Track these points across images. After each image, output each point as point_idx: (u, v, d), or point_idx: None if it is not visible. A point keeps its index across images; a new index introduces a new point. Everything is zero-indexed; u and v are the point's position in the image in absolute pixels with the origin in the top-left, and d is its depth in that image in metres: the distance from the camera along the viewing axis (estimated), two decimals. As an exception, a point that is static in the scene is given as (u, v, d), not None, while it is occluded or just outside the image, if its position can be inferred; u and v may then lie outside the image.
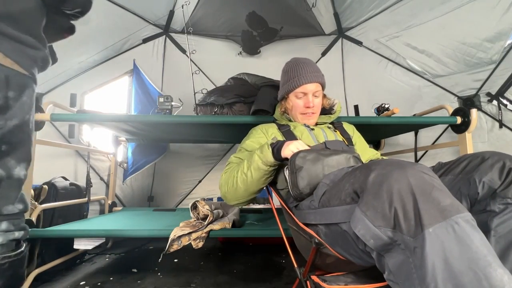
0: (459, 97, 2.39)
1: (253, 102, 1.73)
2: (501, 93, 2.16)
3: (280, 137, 1.16)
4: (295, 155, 0.87)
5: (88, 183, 2.08)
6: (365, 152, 1.23)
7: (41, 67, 0.90)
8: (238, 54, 3.01)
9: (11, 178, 0.77)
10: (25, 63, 0.81)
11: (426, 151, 2.57)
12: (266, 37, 2.97)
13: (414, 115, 2.18)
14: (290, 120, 1.26)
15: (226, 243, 2.32)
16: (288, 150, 0.93)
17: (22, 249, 0.81)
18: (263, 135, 1.18)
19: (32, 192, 1.65)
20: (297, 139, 1.12)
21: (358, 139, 1.27)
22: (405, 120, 1.81)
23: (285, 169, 0.92)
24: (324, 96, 1.27)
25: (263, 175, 0.99)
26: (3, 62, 0.76)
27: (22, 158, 0.81)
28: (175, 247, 1.38)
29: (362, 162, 0.95)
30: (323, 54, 3.11)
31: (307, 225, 0.82)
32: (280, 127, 1.21)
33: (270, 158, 0.96)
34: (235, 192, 1.04)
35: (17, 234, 0.79)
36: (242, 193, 1.04)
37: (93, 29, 2.23)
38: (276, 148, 0.96)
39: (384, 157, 1.20)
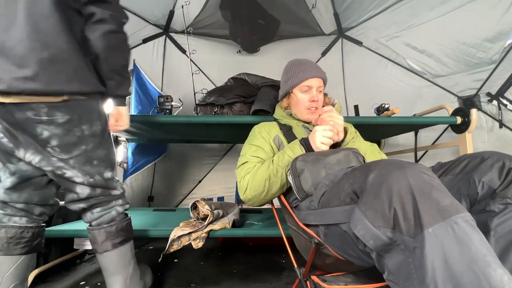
0: (459, 97, 2.39)
1: (253, 102, 1.73)
2: (501, 93, 2.16)
3: (282, 136, 1.16)
4: (295, 159, 0.89)
5: (88, 183, 2.08)
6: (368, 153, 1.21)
7: None
8: (237, 52, 3.01)
9: (104, 178, 1.12)
10: None
11: (426, 151, 2.57)
12: (265, 38, 2.98)
13: (414, 115, 2.18)
14: (291, 116, 1.26)
15: (226, 243, 2.31)
16: (319, 144, 0.97)
17: (129, 216, 1.21)
18: (266, 133, 1.18)
19: (32, 192, 1.64)
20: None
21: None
22: (405, 120, 1.82)
23: (288, 173, 0.92)
24: (325, 94, 1.28)
25: None
26: None
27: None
28: (175, 247, 1.38)
29: (363, 156, 0.96)
30: (323, 54, 3.11)
31: (307, 225, 0.82)
32: (282, 126, 1.21)
33: None
34: (265, 195, 1.03)
35: (127, 206, 1.20)
36: (271, 195, 1.04)
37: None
38: (306, 145, 0.99)
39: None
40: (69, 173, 1.03)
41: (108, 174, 1.12)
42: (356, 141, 1.14)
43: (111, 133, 1.17)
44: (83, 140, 1.03)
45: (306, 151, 0.98)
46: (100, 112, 1.09)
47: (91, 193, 1.09)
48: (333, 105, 1.33)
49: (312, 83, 1.18)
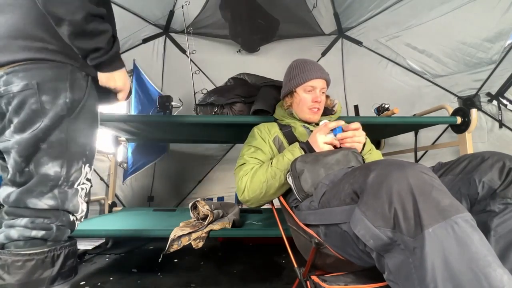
0: (459, 97, 2.39)
1: (253, 102, 1.73)
2: (501, 93, 2.16)
3: (282, 137, 1.16)
4: (295, 160, 0.89)
5: (88, 183, 2.07)
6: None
7: None
8: (237, 51, 3.02)
9: (38, 173, 0.75)
10: None
11: (426, 151, 2.57)
12: (265, 38, 2.98)
13: (414, 115, 2.18)
14: (292, 116, 1.26)
15: (226, 243, 2.31)
16: (321, 145, 0.96)
17: (44, 249, 0.74)
18: (266, 134, 1.18)
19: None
20: (297, 140, 1.12)
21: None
22: (405, 120, 1.82)
23: (287, 175, 0.93)
24: (327, 96, 1.28)
25: None
26: None
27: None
28: (175, 247, 1.38)
29: (362, 156, 0.96)
30: (323, 54, 3.11)
31: (307, 225, 0.82)
32: (282, 127, 1.21)
33: None
34: (263, 197, 1.03)
35: (35, 233, 0.74)
36: (269, 197, 1.04)
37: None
38: (307, 148, 0.99)
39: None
40: None
41: (50, 170, 0.75)
42: (373, 153, 1.17)
43: (88, 116, 0.83)
44: (41, 115, 0.74)
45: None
46: (75, 82, 0.79)
47: (4, 199, 0.76)
48: (333, 105, 1.33)
49: (316, 83, 1.18)
